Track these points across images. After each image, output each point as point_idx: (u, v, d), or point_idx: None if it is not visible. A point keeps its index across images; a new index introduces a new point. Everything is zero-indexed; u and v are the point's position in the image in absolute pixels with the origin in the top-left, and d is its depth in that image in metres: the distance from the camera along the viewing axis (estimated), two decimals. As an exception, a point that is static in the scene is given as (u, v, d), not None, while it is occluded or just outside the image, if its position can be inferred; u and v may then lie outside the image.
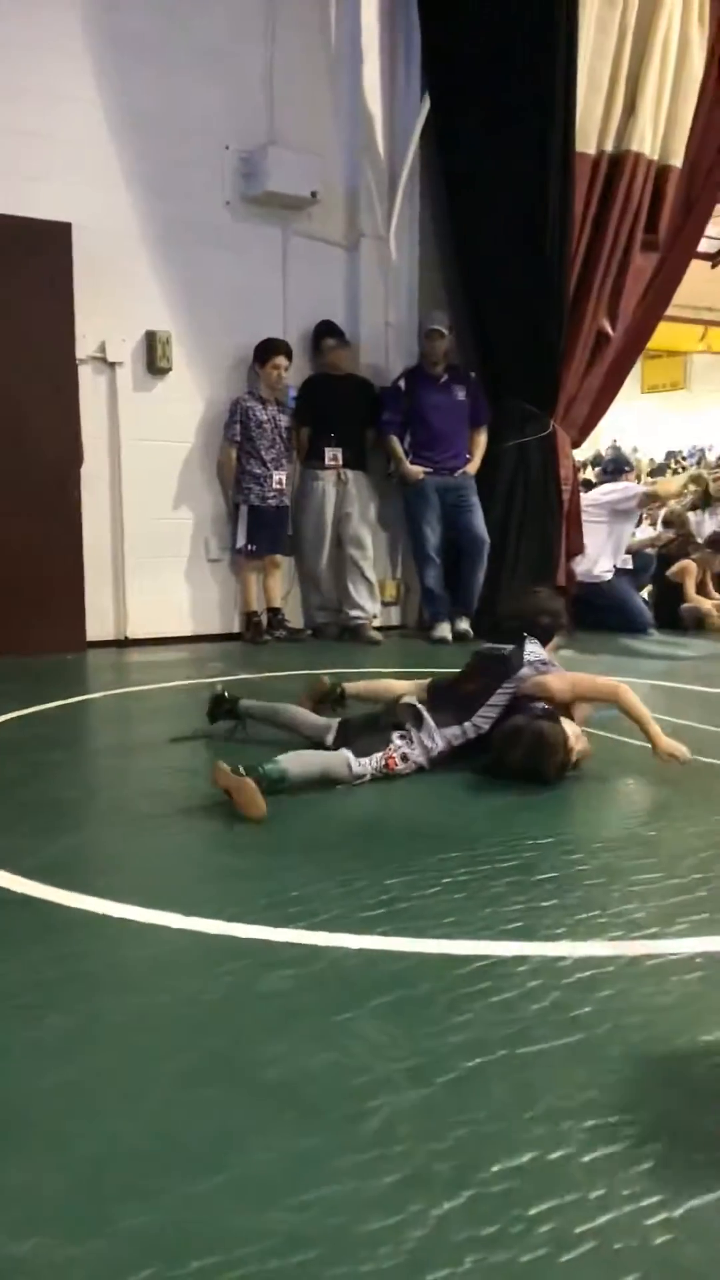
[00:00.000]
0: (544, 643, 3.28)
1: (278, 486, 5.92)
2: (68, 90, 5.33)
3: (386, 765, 2.94)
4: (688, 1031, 1.55)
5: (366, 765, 2.91)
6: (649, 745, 3.01)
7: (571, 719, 3.08)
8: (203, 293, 5.81)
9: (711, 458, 15.79)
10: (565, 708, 3.09)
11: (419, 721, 3.05)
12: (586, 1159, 1.24)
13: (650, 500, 7.12)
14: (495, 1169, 1.21)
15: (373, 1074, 1.42)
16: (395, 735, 3.00)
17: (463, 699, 3.15)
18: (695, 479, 7.69)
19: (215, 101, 5.76)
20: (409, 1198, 1.16)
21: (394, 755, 2.96)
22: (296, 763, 2.78)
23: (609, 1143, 1.27)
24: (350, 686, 3.51)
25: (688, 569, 6.77)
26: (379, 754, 2.94)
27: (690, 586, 6.75)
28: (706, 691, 4.60)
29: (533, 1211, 1.14)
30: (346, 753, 2.91)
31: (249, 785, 2.56)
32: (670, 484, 7.13)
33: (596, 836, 2.52)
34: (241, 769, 2.62)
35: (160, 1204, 1.15)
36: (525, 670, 3.11)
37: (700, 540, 7.28)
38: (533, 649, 3.19)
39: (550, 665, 3.20)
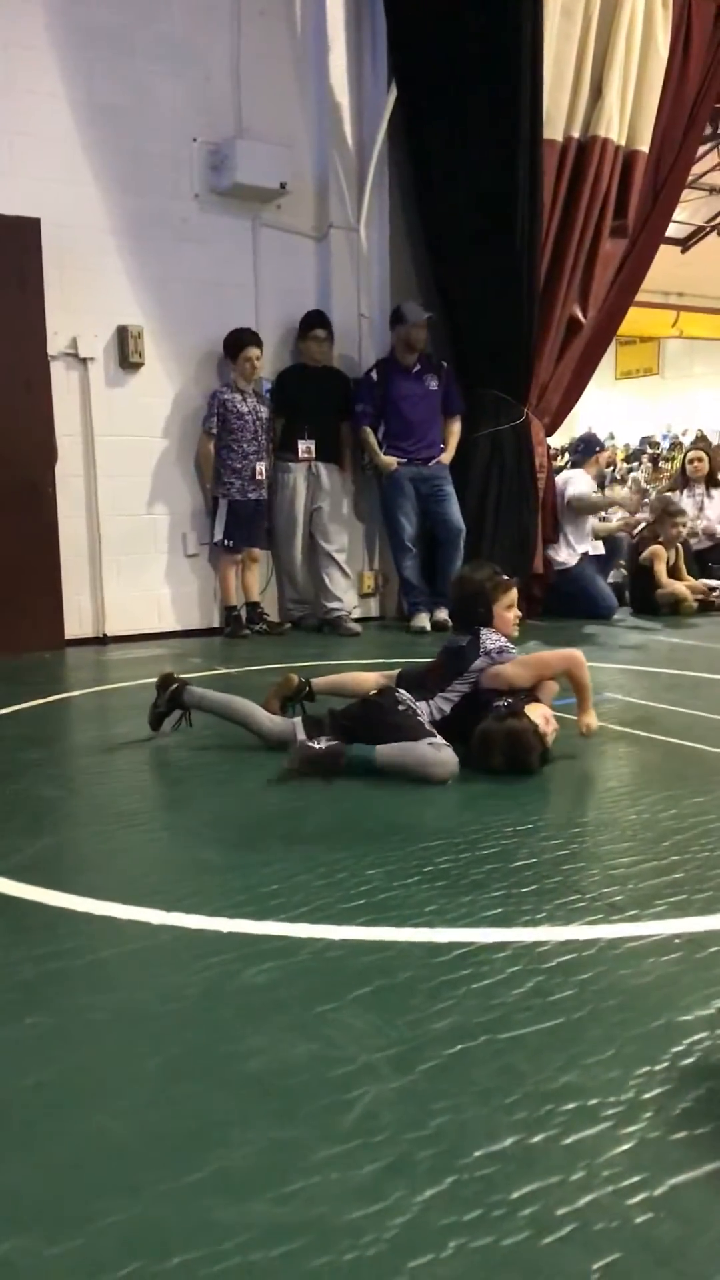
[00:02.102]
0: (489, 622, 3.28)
1: (259, 479, 5.91)
2: (33, 85, 5.29)
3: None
4: (666, 1013, 1.56)
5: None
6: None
7: (538, 700, 3.11)
8: (173, 286, 5.78)
9: (685, 442, 15.84)
10: (530, 690, 3.13)
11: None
12: (567, 1141, 1.25)
13: (600, 508, 7.13)
14: (477, 1154, 1.22)
15: (354, 1063, 1.42)
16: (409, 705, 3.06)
17: (427, 687, 3.22)
18: (654, 509, 7.64)
19: (182, 94, 5.73)
20: (391, 1185, 1.17)
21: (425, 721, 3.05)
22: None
23: (589, 1125, 1.28)
24: (318, 682, 3.50)
25: (657, 553, 6.79)
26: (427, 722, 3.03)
27: (661, 570, 6.77)
28: (678, 675, 4.62)
29: (514, 1195, 1.15)
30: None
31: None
32: (597, 503, 7.09)
33: (574, 821, 2.54)
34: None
35: (142, 1199, 1.15)
36: (480, 661, 3.15)
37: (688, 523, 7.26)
38: (490, 637, 3.21)
39: (509, 652, 3.22)
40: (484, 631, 3.22)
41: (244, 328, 5.88)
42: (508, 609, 3.33)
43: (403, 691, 3.14)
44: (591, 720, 3.18)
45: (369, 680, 3.37)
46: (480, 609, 3.29)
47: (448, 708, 3.15)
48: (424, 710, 3.11)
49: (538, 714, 2.98)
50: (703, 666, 4.78)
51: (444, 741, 2.93)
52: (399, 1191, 1.16)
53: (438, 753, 2.89)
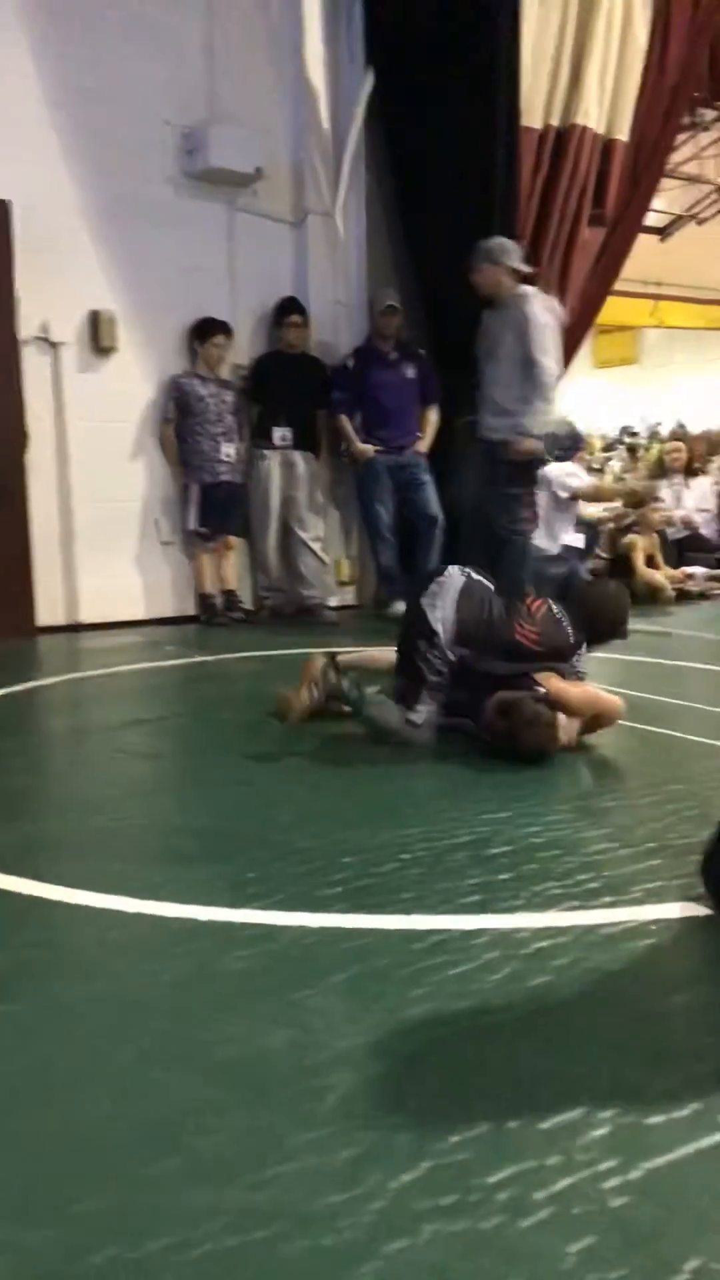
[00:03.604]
0: (591, 644, 3.19)
1: (226, 459, 5.87)
2: (4, 65, 5.20)
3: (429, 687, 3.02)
4: (642, 997, 1.57)
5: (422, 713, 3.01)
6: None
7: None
8: (147, 271, 5.72)
9: (664, 432, 15.89)
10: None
11: (430, 637, 3.01)
12: (544, 1125, 1.25)
13: (582, 497, 7.15)
14: (453, 1139, 1.22)
15: (331, 1050, 1.42)
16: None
17: (490, 648, 3.06)
18: (631, 494, 7.67)
19: (155, 76, 5.66)
20: (367, 1171, 1.16)
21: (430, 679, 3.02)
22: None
23: (566, 1109, 1.28)
24: (344, 659, 3.40)
25: (635, 543, 6.82)
26: (421, 691, 3.03)
27: (639, 560, 6.80)
28: (655, 663, 4.64)
29: (491, 1180, 1.15)
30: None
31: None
32: (601, 492, 7.14)
33: (551, 809, 2.53)
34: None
35: (116, 1187, 1.14)
36: (564, 668, 3.07)
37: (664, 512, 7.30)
38: (586, 656, 3.16)
39: (582, 676, 3.15)
40: (588, 647, 3.15)
41: (215, 318, 5.84)
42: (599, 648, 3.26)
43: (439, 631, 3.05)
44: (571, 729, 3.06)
45: (388, 657, 3.30)
46: (605, 629, 3.20)
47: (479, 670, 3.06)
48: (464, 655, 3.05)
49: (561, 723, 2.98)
50: (679, 655, 4.81)
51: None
52: (375, 1177, 1.15)
53: (415, 735, 2.95)
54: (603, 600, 3.30)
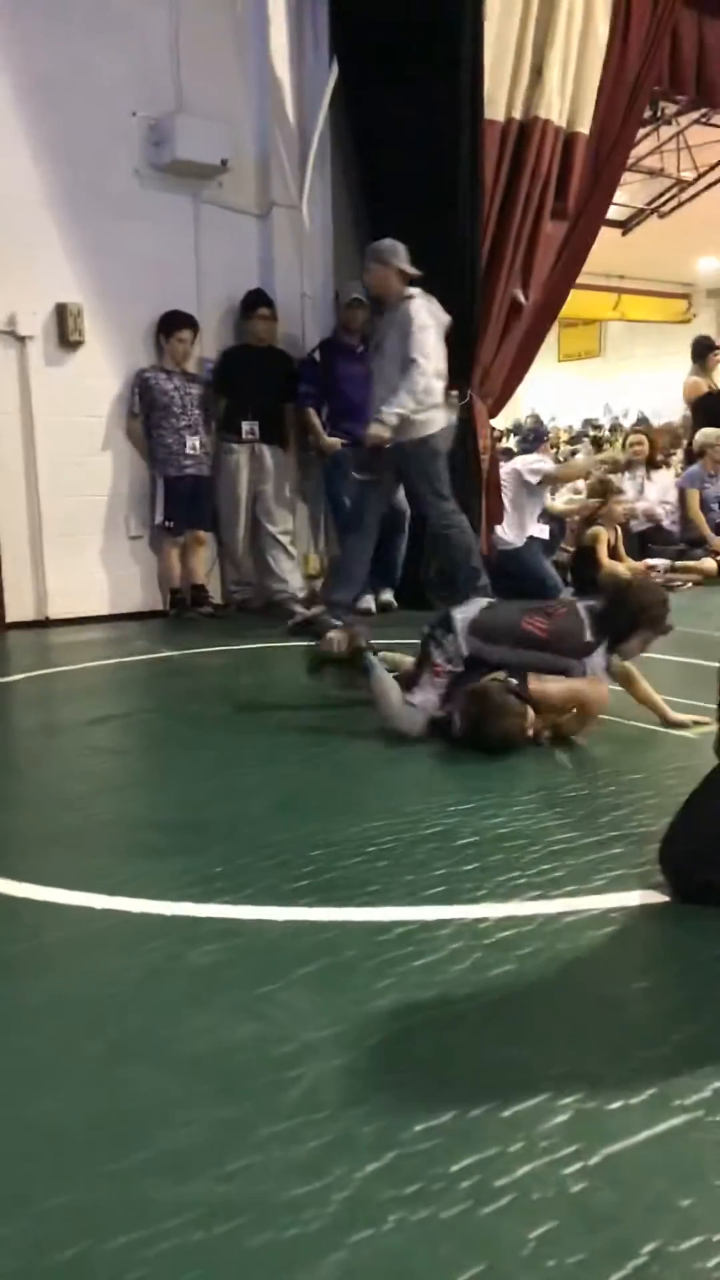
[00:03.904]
0: (614, 643, 3.15)
1: (192, 453, 5.84)
2: (-35, 55, 5.16)
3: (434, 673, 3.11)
4: (603, 985, 1.60)
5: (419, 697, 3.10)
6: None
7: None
8: (113, 263, 5.69)
9: (626, 424, 16.00)
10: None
11: (448, 624, 3.15)
12: (506, 1114, 1.27)
13: (552, 481, 7.19)
14: (418, 1129, 1.24)
15: (297, 1042, 1.43)
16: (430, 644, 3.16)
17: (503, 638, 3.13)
18: (612, 461, 7.76)
19: (120, 67, 5.62)
20: (332, 1162, 1.18)
21: (438, 664, 3.11)
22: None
23: (528, 1096, 1.30)
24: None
25: (599, 535, 6.86)
26: (425, 677, 3.12)
27: (602, 551, 6.84)
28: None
29: (454, 1168, 1.17)
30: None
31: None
32: (573, 469, 7.23)
33: (515, 799, 2.56)
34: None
35: (83, 1182, 1.16)
36: (574, 666, 3.09)
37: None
38: (604, 658, 3.13)
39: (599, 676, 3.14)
40: (606, 647, 3.13)
41: (181, 310, 5.82)
42: (640, 646, 3.20)
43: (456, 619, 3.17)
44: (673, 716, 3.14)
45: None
46: (624, 624, 3.14)
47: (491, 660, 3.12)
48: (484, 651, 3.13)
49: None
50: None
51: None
52: (340, 1167, 1.17)
53: (408, 714, 3.07)
54: (622, 594, 3.29)
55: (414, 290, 5.10)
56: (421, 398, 4.99)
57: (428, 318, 5.04)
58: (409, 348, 4.98)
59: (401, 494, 6.13)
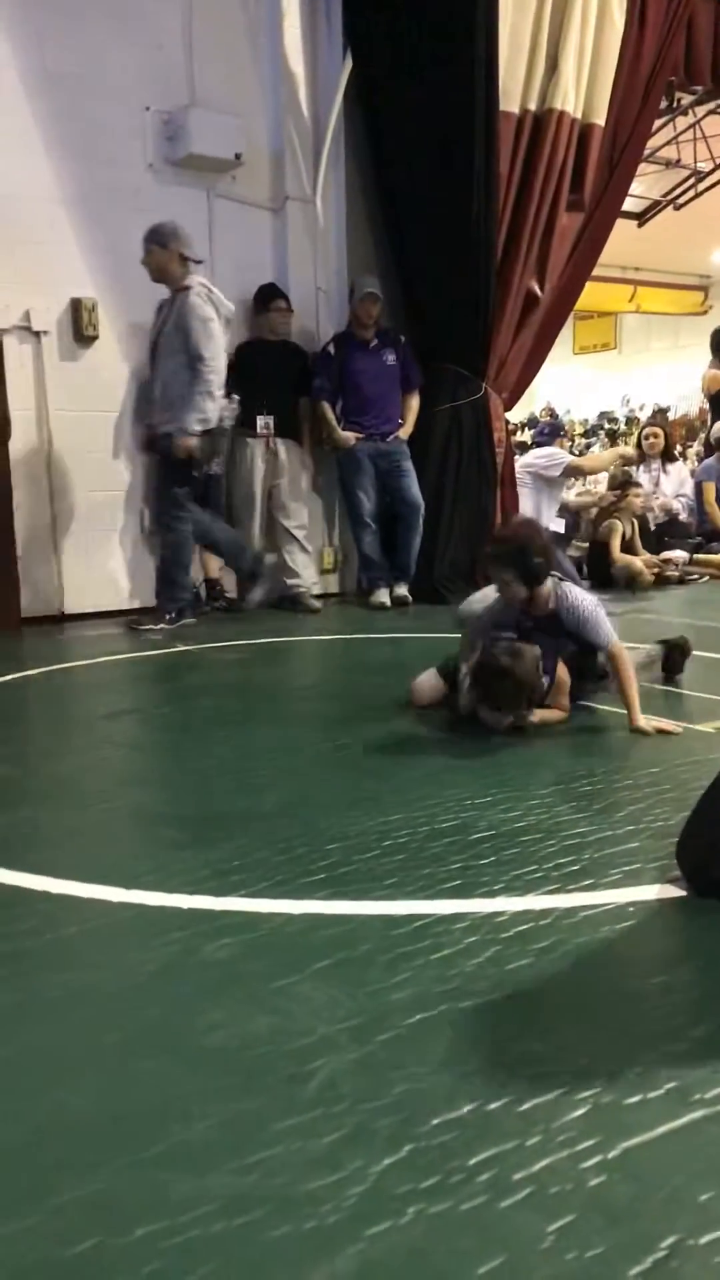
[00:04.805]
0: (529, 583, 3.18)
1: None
2: (-20, 51, 5.17)
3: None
4: (620, 979, 1.59)
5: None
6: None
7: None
8: (128, 258, 5.66)
9: (642, 417, 15.93)
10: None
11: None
12: (524, 1107, 1.27)
13: (575, 472, 7.17)
14: (435, 1122, 1.24)
15: (314, 1035, 1.43)
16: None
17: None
18: (623, 456, 7.74)
19: (134, 62, 5.62)
20: (350, 1155, 1.18)
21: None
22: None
23: (545, 1090, 1.30)
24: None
25: (613, 528, 6.84)
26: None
27: (615, 545, 6.82)
28: (631, 648, 4.66)
29: (472, 1161, 1.17)
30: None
31: None
32: (597, 460, 7.22)
33: (531, 793, 2.55)
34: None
35: (101, 1175, 1.16)
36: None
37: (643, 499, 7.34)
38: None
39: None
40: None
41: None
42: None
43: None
44: (641, 722, 3.07)
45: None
46: (539, 563, 3.13)
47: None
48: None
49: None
50: (656, 639, 4.82)
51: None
52: (358, 1161, 1.17)
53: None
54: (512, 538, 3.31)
55: (194, 279, 5.01)
56: (215, 393, 4.95)
57: (208, 308, 4.95)
58: (193, 342, 4.92)
59: (416, 486, 6.14)
